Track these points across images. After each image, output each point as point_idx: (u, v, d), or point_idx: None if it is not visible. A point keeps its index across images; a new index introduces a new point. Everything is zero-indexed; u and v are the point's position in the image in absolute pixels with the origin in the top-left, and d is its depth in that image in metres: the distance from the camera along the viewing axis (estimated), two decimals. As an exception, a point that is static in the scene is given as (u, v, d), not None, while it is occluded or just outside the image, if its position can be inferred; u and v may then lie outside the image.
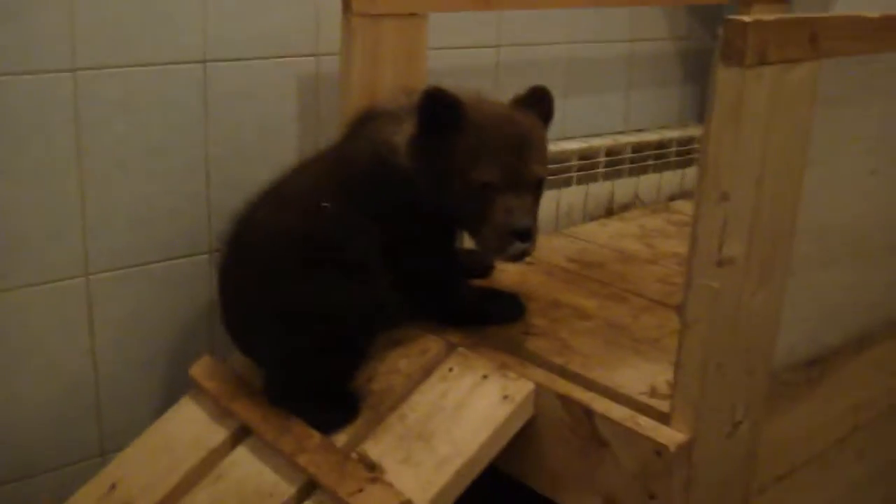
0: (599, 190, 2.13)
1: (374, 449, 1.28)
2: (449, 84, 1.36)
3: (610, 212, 2.15)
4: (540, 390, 1.28)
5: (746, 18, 1.00)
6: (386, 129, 1.40)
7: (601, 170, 2.11)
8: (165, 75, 1.56)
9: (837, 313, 1.41)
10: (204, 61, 1.59)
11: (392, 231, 1.36)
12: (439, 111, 1.32)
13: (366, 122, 1.45)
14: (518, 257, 1.33)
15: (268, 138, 1.70)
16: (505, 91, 1.72)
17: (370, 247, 1.36)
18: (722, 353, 1.14)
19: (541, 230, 1.46)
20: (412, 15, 1.60)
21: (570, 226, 2.05)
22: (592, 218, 2.11)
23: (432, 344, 1.41)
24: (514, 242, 1.30)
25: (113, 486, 1.42)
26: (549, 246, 1.84)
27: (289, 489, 1.28)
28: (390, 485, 1.21)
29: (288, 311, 1.34)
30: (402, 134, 1.37)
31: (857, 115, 1.27)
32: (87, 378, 1.60)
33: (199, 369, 1.49)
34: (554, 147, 1.98)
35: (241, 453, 1.37)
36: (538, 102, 1.43)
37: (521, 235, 1.29)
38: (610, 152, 2.12)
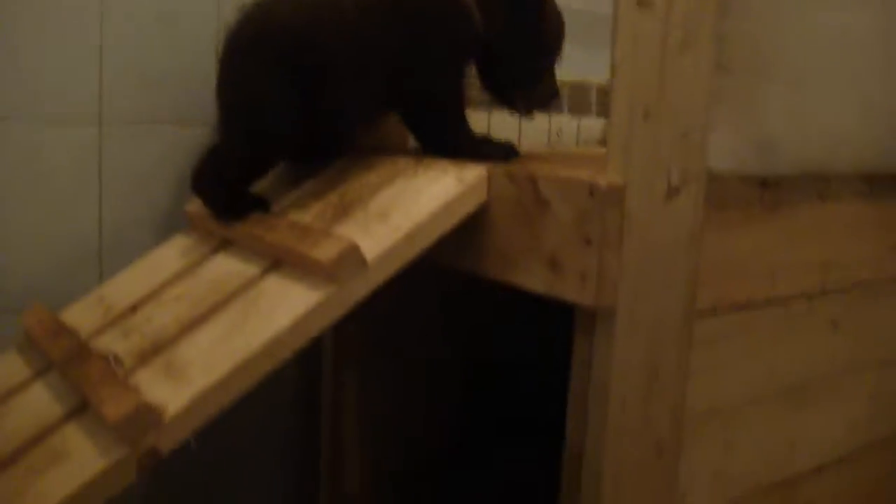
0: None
1: (339, 231, 1.37)
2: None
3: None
4: (492, 176, 1.36)
5: None
6: None
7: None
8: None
9: (787, 142, 1.46)
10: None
11: (419, 54, 1.52)
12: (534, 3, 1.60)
13: None
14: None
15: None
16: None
17: (363, 59, 1.48)
18: (649, 101, 1.20)
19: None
20: None
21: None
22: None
23: (403, 160, 1.50)
24: (555, 98, 1.70)
25: (101, 299, 1.52)
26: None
27: (256, 270, 1.38)
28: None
29: (232, 101, 1.48)
30: None
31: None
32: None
33: (193, 207, 1.61)
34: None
35: (219, 257, 1.48)
36: None
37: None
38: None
